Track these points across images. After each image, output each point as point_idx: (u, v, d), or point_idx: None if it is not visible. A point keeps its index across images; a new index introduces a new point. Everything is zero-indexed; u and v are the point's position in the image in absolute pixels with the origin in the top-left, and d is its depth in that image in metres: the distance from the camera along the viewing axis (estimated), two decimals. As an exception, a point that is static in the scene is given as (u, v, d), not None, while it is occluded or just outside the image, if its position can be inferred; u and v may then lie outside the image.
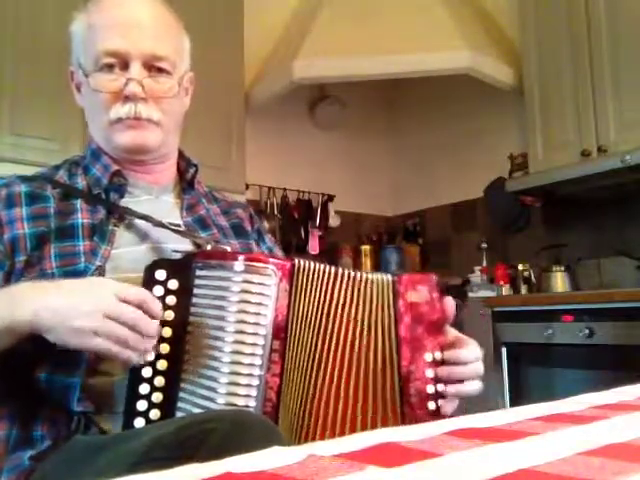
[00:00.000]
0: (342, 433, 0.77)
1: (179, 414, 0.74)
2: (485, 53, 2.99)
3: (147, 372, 0.74)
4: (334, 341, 0.79)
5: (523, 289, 2.90)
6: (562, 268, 2.82)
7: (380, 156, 3.93)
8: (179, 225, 0.97)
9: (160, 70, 0.96)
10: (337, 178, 3.64)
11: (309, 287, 0.79)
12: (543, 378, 2.37)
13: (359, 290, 0.81)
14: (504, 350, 2.48)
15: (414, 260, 3.63)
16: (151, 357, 0.74)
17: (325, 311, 0.79)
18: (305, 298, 0.78)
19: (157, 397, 0.74)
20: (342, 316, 0.80)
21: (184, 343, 0.76)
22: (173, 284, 0.77)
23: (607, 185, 2.61)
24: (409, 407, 0.80)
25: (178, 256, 0.81)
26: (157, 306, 0.74)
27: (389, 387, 0.80)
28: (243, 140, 2.92)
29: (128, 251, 0.91)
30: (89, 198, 0.95)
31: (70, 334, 0.72)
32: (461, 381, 0.83)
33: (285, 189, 3.37)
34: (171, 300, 0.76)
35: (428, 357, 0.82)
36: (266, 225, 3.12)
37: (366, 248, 3.56)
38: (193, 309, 0.77)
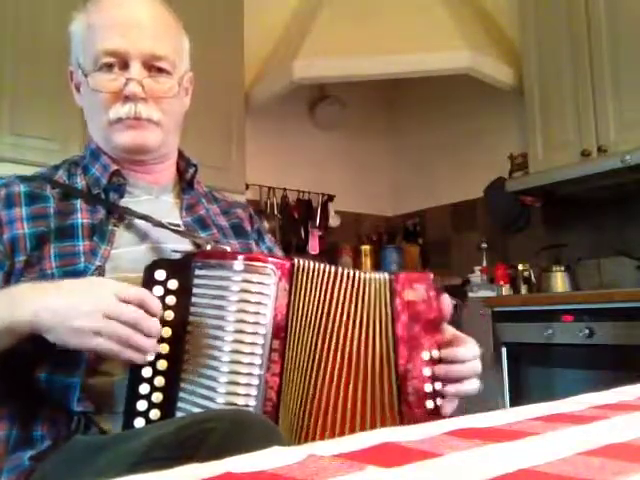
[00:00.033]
0: (342, 432, 0.77)
1: (179, 414, 0.74)
2: (485, 53, 2.99)
3: (147, 372, 0.74)
4: (333, 340, 0.79)
5: (523, 289, 2.91)
6: (562, 268, 2.82)
7: (380, 156, 3.93)
8: (179, 225, 0.97)
9: (160, 70, 0.96)
10: (337, 178, 3.64)
11: (309, 286, 0.79)
12: (543, 378, 2.37)
13: (357, 289, 0.81)
14: (504, 350, 2.49)
15: (414, 260, 3.63)
16: (152, 357, 0.74)
17: (324, 310, 0.79)
18: (305, 297, 0.78)
19: (157, 397, 0.74)
20: (341, 315, 0.80)
21: (184, 343, 0.76)
22: (173, 284, 0.77)
23: (607, 185, 2.61)
24: (407, 406, 0.80)
25: (178, 256, 0.81)
26: (157, 305, 0.74)
27: (387, 386, 0.80)
28: (243, 140, 2.92)
29: (128, 251, 0.91)
30: (89, 198, 0.95)
31: (70, 334, 0.72)
32: (460, 380, 0.82)
33: (285, 189, 3.37)
34: (171, 300, 0.77)
35: (425, 355, 0.82)
36: (266, 225, 3.12)
37: (366, 248, 3.56)
38: (193, 309, 0.77)
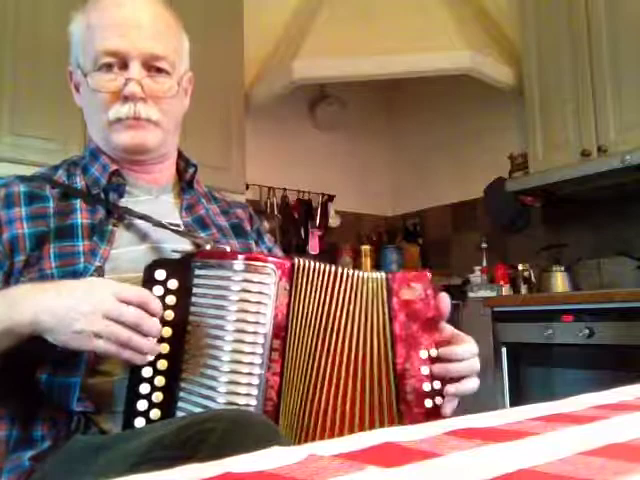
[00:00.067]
0: (341, 432, 0.77)
1: (179, 414, 0.74)
2: (485, 53, 2.99)
3: (147, 372, 0.74)
4: (332, 340, 0.79)
5: (523, 289, 2.91)
6: (562, 268, 2.82)
7: (380, 156, 3.93)
8: (178, 225, 0.97)
9: (159, 70, 0.96)
10: (337, 178, 3.64)
11: (308, 286, 0.79)
12: (543, 378, 2.38)
13: (355, 289, 0.81)
14: (504, 350, 2.49)
15: (414, 260, 3.63)
16: (151, 357, 0.74)
17: (324, 310, 0.79)
18: (305, 297, 0.78)
19: (157, 397, 0.74)
20: (340, 315, 0.80)
21: (184, 343, 0.76)
22: (173, 284, 0.77)
23: (607, 185, 2.61)
24: (406, 405, 0.80)
25: (177, 256, 0.81)
26: (157, 305, 0.74)
27: (385, 385, 0.80)
28: (243, 140, 2.92)
29: (127, 251, 0.91)
30: (88, 198, 0.95)
31: (70, 336, 0.72)
32: (459, 379, 0.82)
33: (285, 189, 3.37)
34: (171, 300, 0.77)
35: (423, 354, 0.82)
36: (266, 225, 3.12)
37: (366, 248, 3.56)
38: (193, 309, 0.77)
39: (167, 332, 0.76)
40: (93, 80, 0.94)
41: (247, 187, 3.04)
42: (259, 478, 0.33)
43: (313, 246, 3.39)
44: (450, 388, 0.81)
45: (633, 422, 0.51)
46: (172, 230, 0.93)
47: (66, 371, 0.81)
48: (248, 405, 0.72)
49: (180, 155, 1.08)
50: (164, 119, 0.97)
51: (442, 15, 3.01)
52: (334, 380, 0.79)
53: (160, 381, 0.74)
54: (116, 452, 0.66)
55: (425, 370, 0.81)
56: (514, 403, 2.43)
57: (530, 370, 2.42)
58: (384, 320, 0.81)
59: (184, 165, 1.07)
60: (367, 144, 3.86)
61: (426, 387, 0.81)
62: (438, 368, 0.82)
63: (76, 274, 0.85)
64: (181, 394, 0.74)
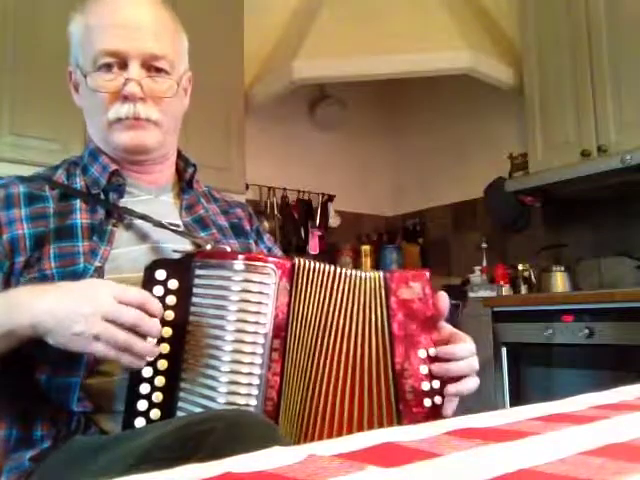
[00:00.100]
0: (340, 431, 0.77)
1: (180, 414, 0.74)
2: (485, 53, 2.99)
3: (147, 372, 0.74)
4: (332, 340, 0.79)
5: (523, 289, 2.91)
6: (562, 268, 2.82)
7: (380, 156, 3.93)
8: (178, 225, 0.97)
9: (158, 70, 0.95)
10: (337, 178, 3.64)
11: (309, 286, 0.79)
12: (543, 378, 2.38)
13: (354, 288, 0.81)
14: (504, 350, 2.49)
15: (414, 260, 3.63)
16: (151, 358, 0.74)
17: (324, 310, 0.79)
18: (305, 297, 0.78)
19: (157, 397, 0.74)
20: (339, 314, 0.80)
21: (184, 343, 0.76)
22: (173, 284, 0.77)
23: (607, 185, 2.61)
24: (405, 404, 0.80)
25: (178, 256, 0.81)
26: (157, 307, 0.74)
27: (384, 385, 0.80)
28: (243, 140, 2.92)
29: (127, 251, 0.91)
30: (88, 198, 0.95)
31: (70, 338, 0.72)
32: (458, 378, 0.82)
33: (285, 189, 3.37)
34: (171, 300, 0.77)
35: (422, 354, 0.82)
36: (266, 225, 3.13)
37: (366, 248, 3.56)
38: (193, 309, 0.77)
39: (167, 332, 0.75)
40: (93, 80, 0.94)
41: (247, 187, 3.04)
42: (259, 478, 0.33)
43: (313, 246, 3.39)
44: (451, 388, 0.81)
45: (633, 422, 0.51)
46: (172, 230, 0.93)
47: (66, 371, 0.81)
48: (248, 405, 0.72)
49: (180, 155, 1.08)
50: (164, 119, 0.97)
51: (442, 15, 3.01)
52: (333, 380, 0.79)
53: (160, 381, 0.74)
54: (116, 452, 0.66)
55: (424, 369, 0.81)
56: (514, 403, 2.43)
57: (530, 370, 2.42)
58: (382, 319, 0.81)
59: (183, 165, 1.07)
60: (367, 144, 3.86)
61: (425, 386, 0.81)
62: (437, 367, 0.81)
63: (76, 274, 0.85)
64: (181, 394, 0.74)
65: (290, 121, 3.51)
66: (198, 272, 0.78)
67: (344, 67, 2.97)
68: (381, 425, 0.79)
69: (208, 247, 0.88)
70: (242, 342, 0.74)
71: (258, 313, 0.74)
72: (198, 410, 0.73)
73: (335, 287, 0.80)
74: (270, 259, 0.78)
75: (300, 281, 0.78)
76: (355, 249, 3.57)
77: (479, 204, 3.38)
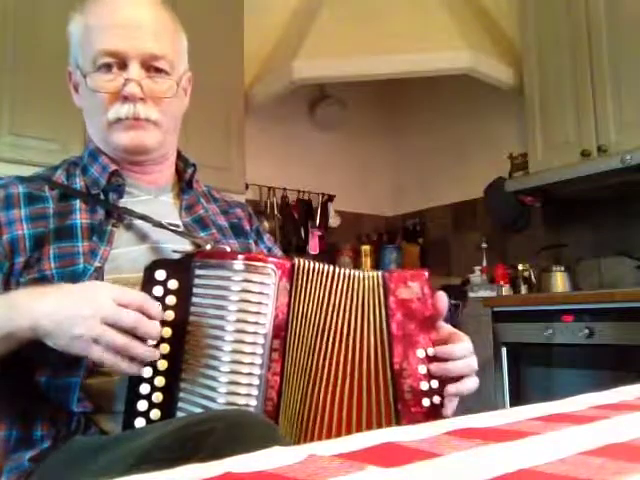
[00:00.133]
0: (339, 431, 0.77)
1: (180, 414, 0.74)
2: (485, 53, 2.99)
3: (147, 372, 0.74)
4: (331, 339, 0.79)
5: (523, 289, 2.91)
6: (562, 268, 2.82)
7: (380, 156, 3.93)
8: (178, 225, 0.97)
9: (158, 70, 0.95)
10: (337, 178, 3.64)
11: (308, 286, 0.79)
12: (543, 378, 2.38)
13: (353, 288, 0.81)
14: (504, 350, 2.49)
15: (414, 260, 3.63)
16: (149, 372, 0.74)
17: (323, 310, 0.79)
18: (305, 297, 0.78)
19: (157, 397, 0.74)
20: (338, 314, 0.80)
21: (184, 343, 0.76)
22: (173, 284, 0.77)
23: (607, 185, 2.61)
24: (403, 404, 0.80)
25: (177, 256, 0.81)
26: (157, 309, 0.74)
27: (382, 384, 0.80)
28: (243, 140, 2.92)
29: (127, 251, 0.91)
30: (88, 198, 0.95)
31: (69, 341, 0.72)
32: (458, 378, 0.82)
33: (285, 189, 3.37)
34: (171, 300, 0.76)
35: (421, 353, 0.81)
36: (266, 225, 3.13)
37: (366, 248, 3.56)
38: (193, 309, 0.77)
39: (167, 332, 0.75)
40: (92, 80, 0.94)
41: (247, 187, 3.04)
42: (259, 478, 0.33)
43: (313, 246, 3.39)
44: (451, 388, 0.81)
45: (633, 422, 0.51)
46: (171, 230, 0.93)
47: (66, 372, 0.81)
48: (248, 405, 0.72)
49: (179, 155, 1.08)
50: (163, 119, 0.97)
51: (442, 15, 3.01)
52: (332, 379, 0.79)
53: (160, 381, 0.74)
54: (116, 452, 0.66)
55: (422, 369, 0.81)
56: (514, 403, 2.43)
57: (530, 370, 2.42)
58: (381, 319, 0.81)
59: (183, 165, 1.07)
60: (367, 144, 3.86)
61: (424, 386, 0.81)
62: (435, 367, 0.81)
63: (76, 275, 0.85)
64: (181, 394, 0.74)
65: (290, 121, 3.51)
66: (198, 272, 0.78)
67: (344, 67, 2.97)
68: (380, 425, 0.79)
69: (208, 247, 0.88)
70: (242, 342, 0.73)
71: (258, 313, 0.74)
72: (198, 410, 0.73)
73: (334, 287, 0.80)
74: (270, 259, 0.78)
75: (300, 281, 0.78)
76: (355, 249, 3.57)
77: (479, 204, 3.38)
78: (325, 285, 0.80)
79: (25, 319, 0.74)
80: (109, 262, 0.88)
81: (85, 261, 0.87)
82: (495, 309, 2.55)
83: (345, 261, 3.45)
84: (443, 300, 0.83)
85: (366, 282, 0.82)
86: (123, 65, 0.93)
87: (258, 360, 0.73)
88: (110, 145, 0.97)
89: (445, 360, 0.81)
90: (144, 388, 0.74)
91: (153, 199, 1.01)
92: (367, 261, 3.53)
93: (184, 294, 0.77)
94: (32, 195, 0.93)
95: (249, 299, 0.74)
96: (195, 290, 0.77)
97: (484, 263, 3.15)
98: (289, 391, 0.76)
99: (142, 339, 0.72)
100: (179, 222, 0.99)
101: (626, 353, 2.10)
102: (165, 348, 0.75)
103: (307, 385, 0.78)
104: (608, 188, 2.65)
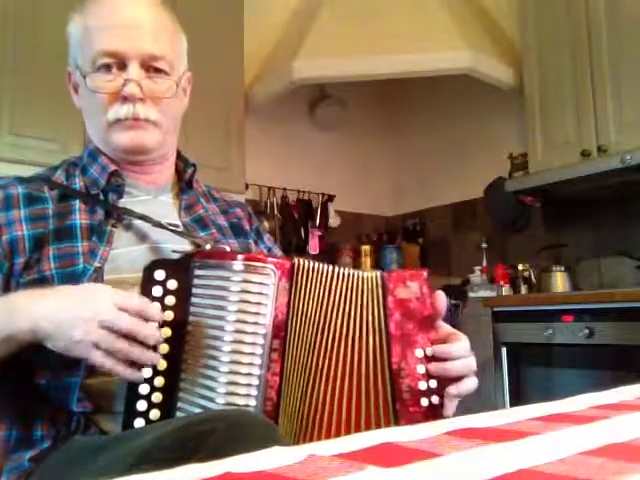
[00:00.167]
0: (338, 431, 0.77)
1: (179, 414, 0.74)
2: (485, 53, 2.99)
3: (147, 372, 0.74)
4: (330, 339, 0.79)
5: (523, 289, 2.91)
6: (562, 268, 2.82)
7: (380, 156, 3.93)
8: (177, 225, 0.97)
9: (158, 70, 0.95)
10: (337, 178, 3.64)
11: (308, 286, 0.79)
12: (543, 378, 2.38)
13: (352, 288, 0.81)
14: (504, 350, 2.49)
15: (414, 260, 3.63)
16: (148, 374, 0.74)
17: (322, 310, 0.79)
18: (304, 297, 0.78)
19: (157, 397, 0.74)
20: (337, 314, 0.80)
21: (184, 343, 0.76)
22: (172, 284, 0.77)
23: (607, 185, 2.61)
24: (402, 404, 0.79)
25: (177, 256, 0.81)
26: (157, 313, 0.74)
27: (381, 384, 0.80)
28: (243, 140, 2.92)
29: (127, 251, 0.91)
30: (87, 199, 0.95)
31: (69, 344, 0.72)
32: (457, 378, 0.82)
33: (285, 189, 3.37)
34: (170, 300, 0.76)
35: (419, 353, 0.81)
36: (266, 225, 3.13)
37: (366, 248, 3.56)
38: (192, 309, 0.77)
39: (166, 333, 0.75)
40: (92, 81, 0.93)
41: (247, 187, 3.04)
42: (259, 478, 0.33)
43: (313, 246, 3.39)
44: (452, 390, 0.81)
45: (633, 422, 0.51)
46: (171, 230, 0.93)
47: (66, 372, 0.81)
48: (247, 405, 0.72)
49: (179, 155, 1.08)
50: (163, 119, 0.97)
51: (442, 15, 3.01)
52: (331, 379, 0.79)
53: (160, 381, 0.74)
54: (116, 452, 0.66)
55: (421, 369, 0.81)
56: (514, 403, 2.43)
57: (530, 370, 2.42)
58: (379, 319, 0.81)
59: (183, 165, 1.07)
60: (367, 144, 3.86)
61: (422, 386, 0.80)
62: (434, 367, 0.81)
63: (75, 275, 0.85)
64: (181, 394, 0.74)
65: (290, 121, 3.51)
66: (197, 272, 0.77)
67: (344, 67, 2.97)
68: (378, 424, 0.79)
69: (207, 247, 0.88)
70: (241, 342, 0.73)
71: (257, 314, 0.74)
72: (197, 410, 0.73)
73: (333, 287, 0.80)
74: (269, 259, 0.77)
75: (299, 281, 0.78)
76: (355, 249, 3.57)
77: (479, 204, 3.38)
78: (324, 285, 0.80)
79: (25, 321, 0.74)
80: (109, 262, 0.88)
81: (85, 261, 0.87)
82: (495, 309, 2.55)
83: (345, 261, 3.45)
84: (442, 300, 0.83)
85: (365, 282, 0.82)
86: (122, 65, 0.93)
87: (257, 360, 0.73)
88: (110, 145, 0.97)
89: (444, 360, 0.81)
90: (143, 388, 0.74)
91: (152, 199, 1.01)
92: (367, 261, 3.53)
93: (183, 294, 0.77)
94: (31, 196, 0.93)
95: (248, 299, 0.74)
96: (194, 290, 0.77)
97: (484, 263, 3.15)
98: (289, 391, 0.76)
99: (142, 343, 0.73)
100: (179, 222, 0.99)
101: (626, 353, 2.10)
102: (164, 348, 0.75)
103: (306, 384, 0.78)
104: (608, 188, 2.65)
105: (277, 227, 3.28)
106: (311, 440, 0.76)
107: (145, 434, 0.65)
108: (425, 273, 0.84)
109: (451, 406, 0.81)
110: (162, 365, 0.75)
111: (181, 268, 0.78)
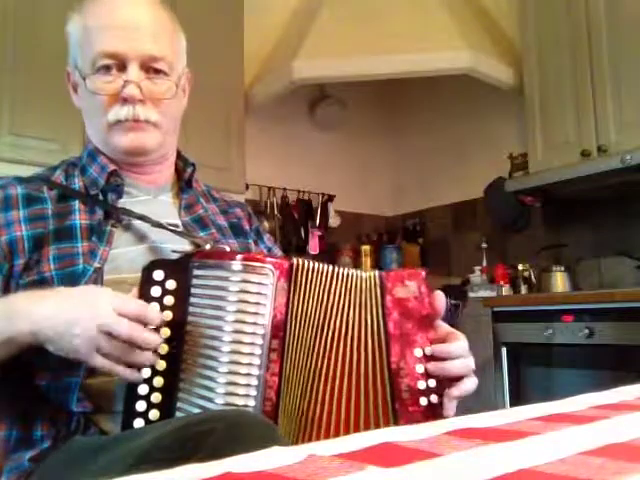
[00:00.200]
0: (337, 431, 0.77)
1: (178, 414, 0.74)
2: (485, 53, 2.99)
3: (146, 373, 0.74)
4: (329, 339, 0.79)
5: (523, 289, 2.91)
6: (562, 268, 2.82)
7: (380, 156, 3.93)
8: (177, 225, 0.97)
9: (157, 71, 0.95)
10: (337, 178, 3.64)
11: (307, 286, 0.78)
12: (543, 378, 2.37)
13: (350, 288, 0.81)
14: (504, 350, 2.49)
15: (414, 260, 3.63)
16: (147, 374, 0.74)
17: (322, 309, 0.79)
18: (303, 297, 0.78)
19: (156, 397, 0.74)
20: (336, 314, 0.80)
21: (182, 343, 0.76)
22: (171, 284, 0.77)
23: (607, 185, 2.61)
24: (401, 403, 0.79)
25: (176, 256, 0.81)
26: (156, 318, 0.74)
27: (380, 384, 0.80)
28: (243, 140, 2.92)
29: (126, 251, 0.91)
30: (87, 199, 0.95)
31: (69, 347, 0.72)
32: (457, 378, 0.82)
33: (285, 189, 3.37)
34: (169, 301, 0.76)
35: (418, 352, 0.81)
36: (266, 225, 3.13)
37: (366, 248, 3.56)
38: (191, 309, 0.76)
39: (165, 333, 0.75)
40: (91, 82, 0.93)
41: (247, 187, 3.04)
42: (259, 478, 0.33)
43: (313, 246, 3.39)
44: (454, 391, 0.81)
45: (633, 422, 0.51)
46: (170, 230, 0.93)
47: (66, 372, 0.81)
48: (246, 406, 0.72)
49: (179, 155, 1.08)
50: (163, 120, 0.96)
51: (442, 15, 3.01)
52: (330, 379, 0.78)
53: (159, 382, 0.74)
54: (116, 452, 0.66)
55: (420, 368, 0.81)
56: (514, 403, 2.43)
57: (530, 370, 2.42)
58: (378, 318, 0.81)
59: (182, 165, 1.07)
60: (367, 144, 3.86)
61: (421, 385, 0.80)
62: (433, 366, 0.81)
63: (75, 275, 0.85)
64: (180, 395, 0.74)
65: (290, 121, 3.51)
66: (196, 272, 0.77)
67: (344, 67, 2.97)
68: (377, 424, 0.79)
69: (207, 247, 0.88)
70: (240, 343, 0.73)
71: (256, 314, 0.74)
72: (196, 411, 0.73)
73: (332, 286, 0.80)
74: (268, 259, 0.77)
75: (299, 281, 0.78)
76: (355, 249, 3.57)
77: (479, 204, 3.38)
78: (323, 285, 0.80)
79: (25, 323, 0.74)
80: (108, 262, 0.88)
81: (84, 262, 0.87)
82: (495, 309, 2.55)
83: (345, 261, 3.45)
84: (440, 299, 0.83)
85: (363, 281, 0.82)
86: (122, 67, 0.93)
87: (256, 360, 0.73)
88: (110, 146, 0.97)
89: (443, 359, 0.81)
90: (143, 388, 0.74)
91: (152, 199, 1.01)
92: (367, 261, 3.53)
93: (182, 294, 0.77)
94: (31, 196, 0.93)
95: (247, 299, 0.74)
96: (193, 290, 0.77)
97: (484, 263, 3.15)
98: (288, 391, 0.76)
99: (141, 347, 0.73)
100: (178, 222, 0.99)
101: (626, 353, 2.10)
102: (163, 348, 0.75)
103: (305, 385, 0.78)
104: (608, 188, 2.65)
105: (277, 227, 3.28)
106: (310, 440, 0.76)
107: (144, 434, 0.65)
108: (423, 272, 0.84)
109: (451, 406, 0.81)
110: (161, 365, 0.75)
111: (180, 268, 0.78)
